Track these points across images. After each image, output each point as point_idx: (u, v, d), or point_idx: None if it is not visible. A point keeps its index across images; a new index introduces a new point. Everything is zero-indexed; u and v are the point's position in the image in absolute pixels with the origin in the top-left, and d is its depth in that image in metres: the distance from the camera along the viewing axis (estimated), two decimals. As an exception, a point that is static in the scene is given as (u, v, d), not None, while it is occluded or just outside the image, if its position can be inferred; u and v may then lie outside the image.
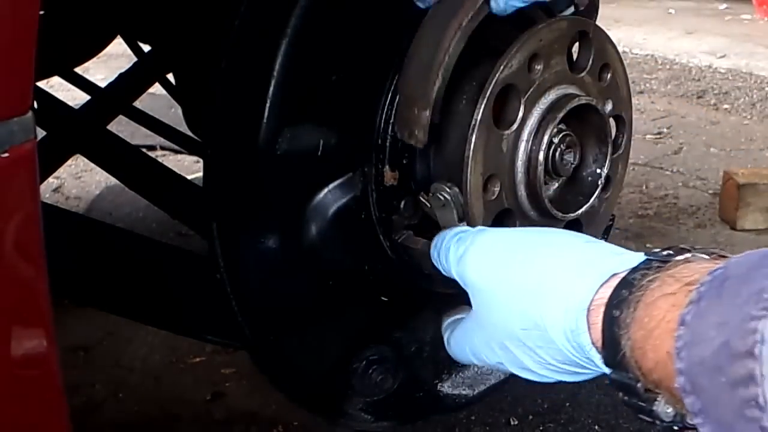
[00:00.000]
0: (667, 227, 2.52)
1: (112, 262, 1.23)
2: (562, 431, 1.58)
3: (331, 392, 1.06)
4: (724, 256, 0.67)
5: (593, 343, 0.70)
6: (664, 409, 0.67)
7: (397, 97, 0.93)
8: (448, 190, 0.90)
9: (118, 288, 1.20)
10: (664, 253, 0.68)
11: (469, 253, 0.84)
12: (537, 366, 0.77)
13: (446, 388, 1.15)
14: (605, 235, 1.14)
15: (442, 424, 1.56)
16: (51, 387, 0.67)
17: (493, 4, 0.89)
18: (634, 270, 0.68)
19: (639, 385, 0.66)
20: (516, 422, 1.59)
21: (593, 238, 0.80)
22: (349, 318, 1.05)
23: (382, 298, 1.05)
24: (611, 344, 0.67)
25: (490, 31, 0.91)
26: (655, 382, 0.64)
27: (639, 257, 0.71)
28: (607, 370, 0.70)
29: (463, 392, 1.16)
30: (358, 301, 1.05)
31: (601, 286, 0.70)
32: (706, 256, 0.67)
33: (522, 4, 0.88)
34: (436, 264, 0.90)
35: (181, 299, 1.21)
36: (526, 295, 0.76)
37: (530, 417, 1.60)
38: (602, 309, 0.68)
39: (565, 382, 0.79)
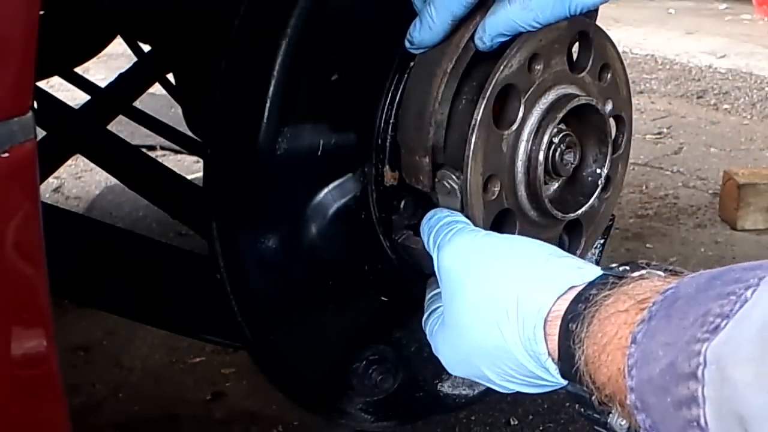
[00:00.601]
0: (667, 227, 2.52)
1: (112, 262, 1.23)
2: (562, 431, 1.58)
3: (331, 392, 1.06)
4: (677, 273, 0.68)
5: (549, 354, 0.71)
6: (618, 421, 0.68)
7: (399, 144, 0.95)
8: (455, 178, 0.91)
9: (118, 288, 1.20)
10: (621, 269, 0.70)
11: (445, 250, 0.85)
12: (496, 377, 0.78)
13: (446, 388, 1.15)
14: (605, 235, 1.14)
15: (442, 424, 1.56)
16: (51, 387, 0.67)
17: (478, 42, 0.89)
18: (591, 284, 0.70)
19: (594, 398, 0.67)
20: (516, 422, 1.59)
21: (559, 251, 0.81)
22: (349, 318, 1.04)
23: (382, 298, 1.05)
24: (566, 357, 0.68)
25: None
26: (609, 396, 0.65)
27: (597, 272, 0.72)
28: (563, 382, 0.71)
29: (463, 392, 1.16)
30: (358, 301, 1.05)
31: (559, 298, 0.71)
32: (661, 273, 0.68)
33: (506, 38, 0.88)
34: (423, 238, 0.91)
35: (182, 299, 1.21)
36: (487, 303, 0.77)
37: (530, 417, 1.60)
38: (558, 321, 0.70)
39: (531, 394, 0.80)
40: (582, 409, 0.70)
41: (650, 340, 0.58)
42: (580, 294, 0.69)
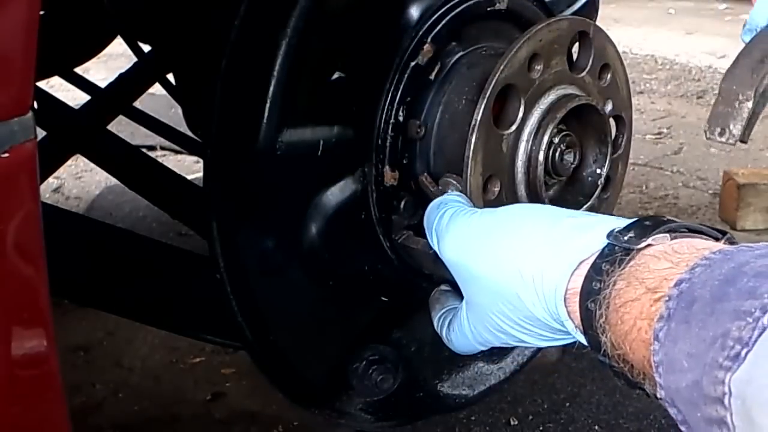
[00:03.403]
0: (667, 227, 2.52)
1: (112, 262, 1.23)
2: (562, 431, 1.58)
3: (330, 392, 1.06)
4: (683, 232, 0.68)
5: (576, 328, 0.72)
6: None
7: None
8: (456, 184, 0.91)
9: (118, 288, 1.20)
10: (625, 238, 0.68)
11: (448, 233, 0.85)
12: (534, 340, 0.80)
13: (446, 388, 1.15)
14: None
15: (442, 424, 1.56)
16: (51, 387, 0.67)
17: None
18: (601, 256, 0.69)
19: (626, 370, 0.67)
20: (516, 422, 1.59)
21: (563, 211, 0.80)
22: (349, 318, 1.04)
23: (382, 298, 1.05)
24: (592, 337, 0.69)
25: None
26: (641, 375, 0.65)
27: (602, 238, 0.71)
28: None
29: (463, 392, 1.16)
30: (358, 301, 1.05)
31: (572, 274, 0.71)
32: (667, 237, 0.67)
33: None
34: (426, 231, 0.90)
35: (181, 299, 1.21)
36: (505, 279, 0.77)
37: (530, 417, 1.60)
38: (577, 299, 0.70)
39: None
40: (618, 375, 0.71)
41: (673, 346, 0.58)
42: (591, 271, 0.69)
